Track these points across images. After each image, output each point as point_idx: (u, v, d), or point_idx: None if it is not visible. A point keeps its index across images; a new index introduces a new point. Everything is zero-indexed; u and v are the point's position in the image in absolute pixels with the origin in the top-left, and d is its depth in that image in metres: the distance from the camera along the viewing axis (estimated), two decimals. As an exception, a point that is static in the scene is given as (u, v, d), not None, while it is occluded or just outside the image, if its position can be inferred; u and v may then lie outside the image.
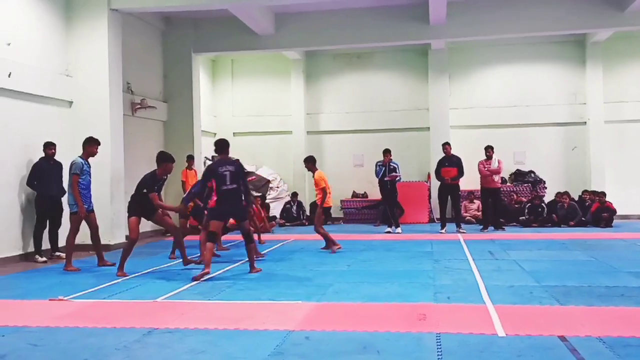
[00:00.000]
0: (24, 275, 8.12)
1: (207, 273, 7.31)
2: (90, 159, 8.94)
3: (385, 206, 13.46)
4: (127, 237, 9.91)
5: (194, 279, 7.20)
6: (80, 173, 8.38)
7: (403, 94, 16.81)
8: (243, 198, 7.85)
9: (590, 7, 13.09)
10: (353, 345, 4.39)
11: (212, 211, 7.72)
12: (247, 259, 8.04)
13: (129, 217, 7.98)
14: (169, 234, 13.59)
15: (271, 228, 13.35)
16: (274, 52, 16.07)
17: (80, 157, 8.56)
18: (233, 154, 16.35)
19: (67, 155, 10.02)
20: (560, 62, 16.20)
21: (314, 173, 10.00)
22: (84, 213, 8.40)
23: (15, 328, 5.09)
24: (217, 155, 8.16)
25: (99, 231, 8.77)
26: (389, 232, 12.88)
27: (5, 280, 7.66)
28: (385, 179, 12.93)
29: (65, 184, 9.63)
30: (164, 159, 7.93)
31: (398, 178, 12.99)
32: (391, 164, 12.93)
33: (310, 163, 10.08)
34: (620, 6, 12.86)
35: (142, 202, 7.89)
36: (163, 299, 6.21)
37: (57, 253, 9.65)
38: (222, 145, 7.89)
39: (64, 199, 9.54)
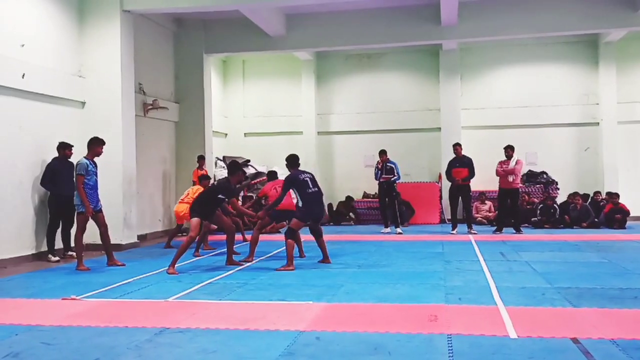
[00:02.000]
0: (37, 274, 8.19)
1: (292, 269, 7.92)
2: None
3: (383, 206, 13.43)
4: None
5: (277, 269, 7.94)
6: (86, 174, 8.42)
7: (414, 95, 16.77)
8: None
9: (602, 7, 12.98)
10: (364, 346, 4.38)
11: (300, 212, 8.28)
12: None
13: (191, 217, 8.25)
14: (182, 234, 13.68)
15: (280, 228, 13.37)
16: (285, 53, 16.10)
17: (85, 157, 8.61)
18: (244, 154, 16.64)
19: (80, 155, 10.08)
20: (573, 62, 16.09)
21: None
22: (91, 212, 8.46)
23: (29, 327, 5.13)
24: (288, 168, 8.65)
25: (108, 230, 8.82)
26: (399, 232, 12.88)
27: (18, 280, 7.73)
28: (380, 179, 12.98)
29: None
30: (238, 168, 8.61)
31: (394, 178, 12.97)
32: (388, 164, 12.97)
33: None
34: (633, 6, 12.74)
35: (207, 205, 8.29)
36: (174, 299, 6.23)
37: (70, 252, 9.71)
38: (294, 160, 8.57)
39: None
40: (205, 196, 8.56)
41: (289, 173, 8.54)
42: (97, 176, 8.68)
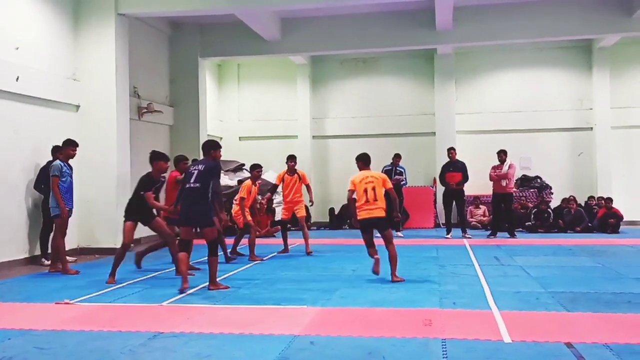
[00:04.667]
0: (30, 278, 8.15)
1: (186, 288, 6.73)
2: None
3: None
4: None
5: (180, 290, 6.71)
6: (60, 175, 8.39)
7: (409, 99, 16.81)
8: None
9: (597, 13, 13.07)
10: (358, 350, 4.38)
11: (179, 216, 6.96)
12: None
13: (124, 221, 7.80)
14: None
15: (275, 232, 13.38)
16: (280, 57, 16.11)
17: (59, 159, 8.58)
18: (239, 158, 16.60)
19: (74, 159, 10.06)
20: (567, 67, 16.17)
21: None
22: (67, 214, 8.41)
23: (22, 331, 5.10)
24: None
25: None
26: (400, 236, 12.96)
27: (11, 284, 7.70)
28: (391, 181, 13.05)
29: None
30: (155, 158, 7.85)
31: (403, 182, 13.15)
32: (398, 168, 13.12)
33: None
34: (627, 12, 12.84)
35: (140, 206, 7.72)
36: (169, 303, 6.21)
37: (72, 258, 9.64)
38: (208, 146, 7.13)
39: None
40: (132, 197, 7.88)
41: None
42: (71, 178, 8.62)
